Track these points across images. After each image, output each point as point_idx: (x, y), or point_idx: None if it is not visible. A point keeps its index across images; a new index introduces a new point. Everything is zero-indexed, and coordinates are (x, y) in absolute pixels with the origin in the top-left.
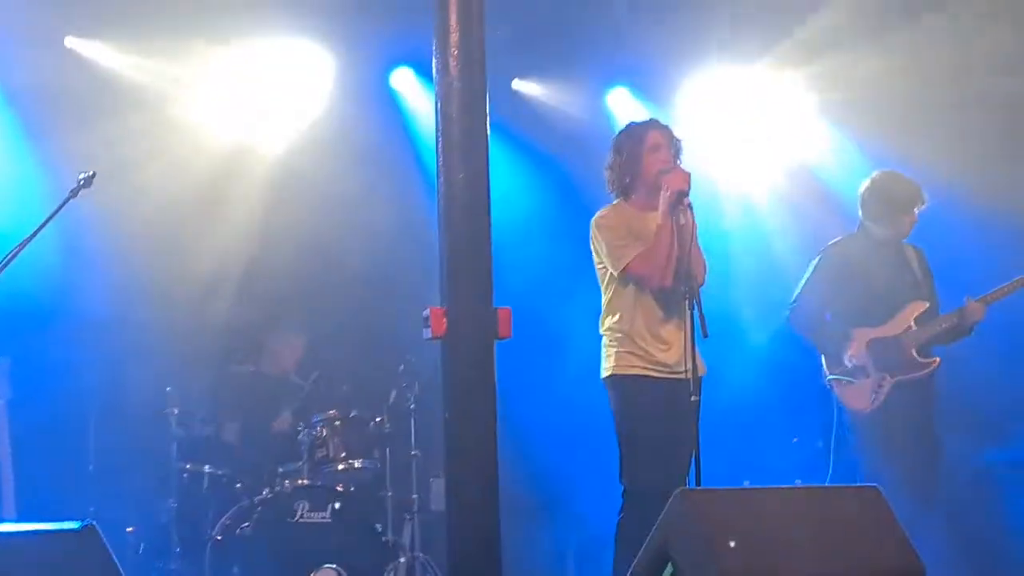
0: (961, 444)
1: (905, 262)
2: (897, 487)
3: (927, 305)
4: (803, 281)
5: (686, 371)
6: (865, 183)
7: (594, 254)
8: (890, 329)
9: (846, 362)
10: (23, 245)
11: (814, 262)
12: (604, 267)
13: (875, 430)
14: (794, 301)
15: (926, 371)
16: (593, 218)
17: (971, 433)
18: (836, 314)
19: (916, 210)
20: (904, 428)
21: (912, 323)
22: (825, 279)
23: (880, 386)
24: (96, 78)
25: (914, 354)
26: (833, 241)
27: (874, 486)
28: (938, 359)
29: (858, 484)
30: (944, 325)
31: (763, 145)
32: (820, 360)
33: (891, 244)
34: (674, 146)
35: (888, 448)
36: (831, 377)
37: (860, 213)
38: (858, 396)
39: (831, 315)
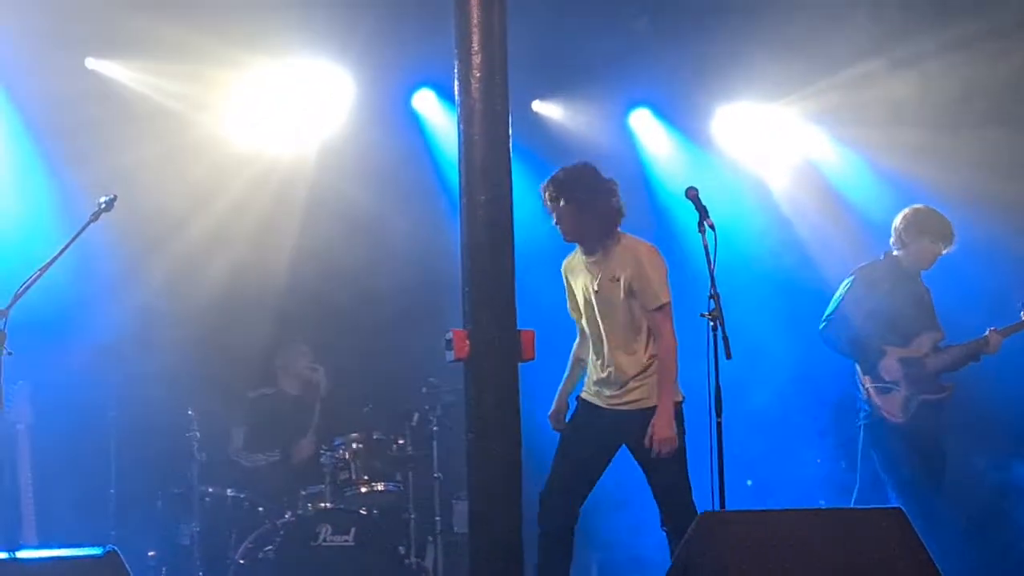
0: (985, 459)
1: (922, 294)
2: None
3: (942, 335)
4: (837, 298)
5: (711, 394)
6: (903, 212)
7: (635, 281)
8: (914, 351)
9: (883, 374)
10: (44, 270)
11: (846, 282)
12: (649, 297)
13: (902, 442)
14: (830, 315)
15: (945, 395)
16: (647, 247)
17: (995, 448)
18: (871, 332)
19: (944, 247)
20: (921, 444)
21: (929, 350)
22: (856, 298)
23: (910, 401)
24: (116, 99)
25: (936, 377)
26: (862, 265)
27: (898, 508)
28: (953, 384)
29: (882, 505)
30: (964, 352)
31: (782, 173)
32: (856, 372)
33: (913, 275)
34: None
35: (909, 461)
36: (872, 386)
37: (892, 240)
38: (895, 406)
39: (865, 334)
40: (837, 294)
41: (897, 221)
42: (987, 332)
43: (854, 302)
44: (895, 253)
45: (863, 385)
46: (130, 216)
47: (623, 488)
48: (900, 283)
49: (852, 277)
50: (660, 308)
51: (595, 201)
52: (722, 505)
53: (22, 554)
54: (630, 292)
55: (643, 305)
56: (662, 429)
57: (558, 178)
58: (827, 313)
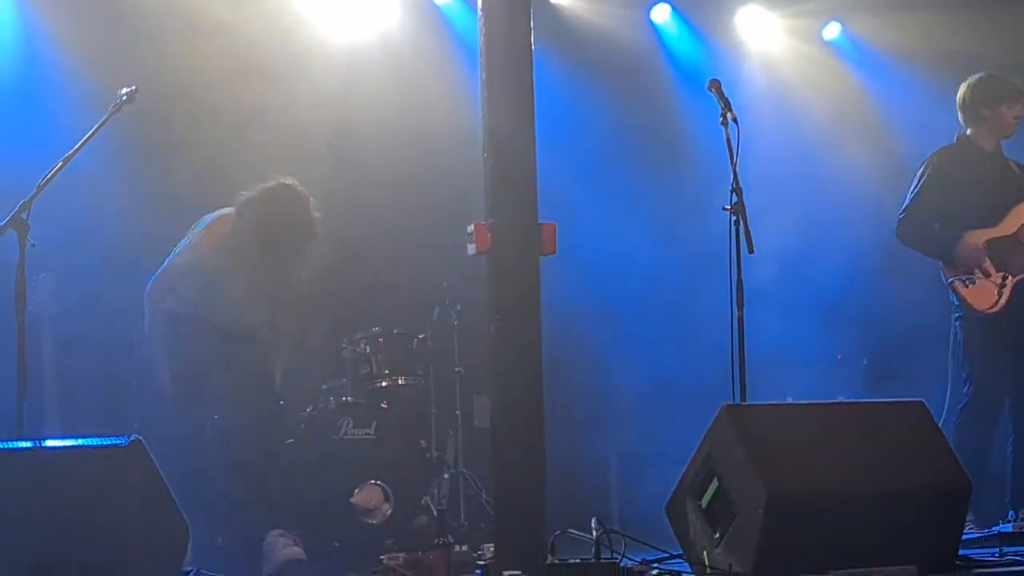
0: None
1: (1008, 168)
2: (1004, 401)
3: None
4: (910, 192)
5: (732, 285)
6: (964, 86)
7: None
8: (1004, 229)
9: (963, 264)
10: (67, 160)
11: (919, 172)
12: None
13: (996, 335)
14: (902, 213)
15: None
16: None
17: None
18: (946, 220)
19: (1018, 105)
20: (1019, 333)
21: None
22: (931, 187)
23: (1004, 285)
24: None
25: None
26: (937, 150)
27: (919, 401)
28: None
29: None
30: None
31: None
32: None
33: (994, 150)
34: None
35: (1003, 357)
36: (952, 280)
37: (961, 119)
38: (982, 296)
39: (940, 223)
40: (912, 188)
41: (961, 97)
42: None
43: (926, 191)
44: (968, 132)
45: (946, 279)
46: (155, 109)
47: (646, 384)
48: (979, 161)
49: (924, 165)
50: None
51: None
52: (743, 398)
53: (48, 443)
54: None
55: None
56: None
57: None
58: (901, 210)
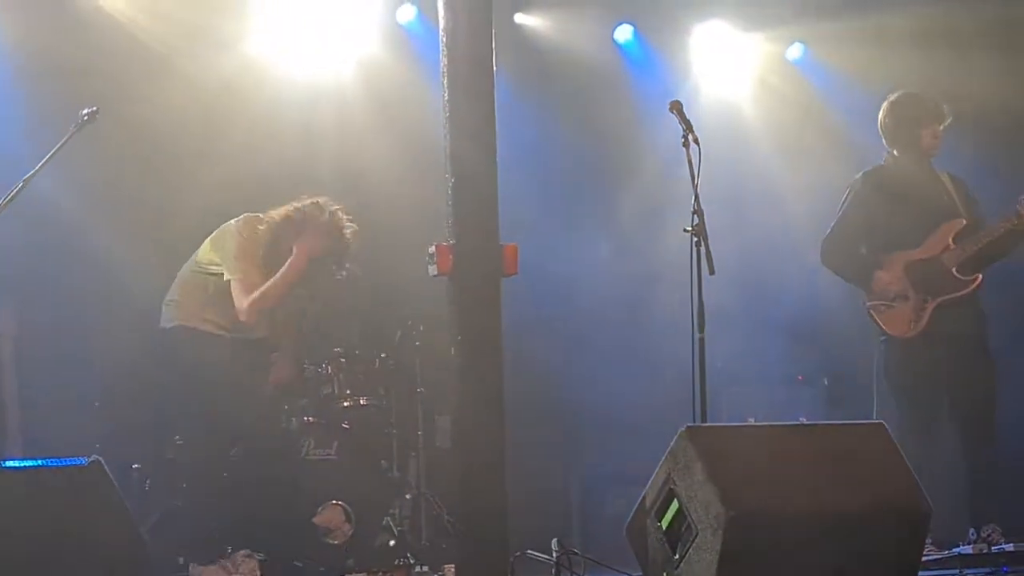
0: None
1: (938, 183)
2: (944, 419)
3: (964, 222)
4: (835, 216)
5: (693, 308)
6: (883, 108)
7: None
8: (928, 250)
9: (883, 289)
10: (27, 182)
11: (844, 196)
12: None
13: (918, 356)
14: (825, 237)
15: (968, 289)
16: None
17: None
18: (872, 244)
19: (936, 125)
20: (951, 351)
21: (950, 241)
22: (856, 210)
23: (920, 309)
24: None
25: (954, 272)
26: (862, 172)
27: (880, 422)
28: (980, 276)
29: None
30: (988, 238)
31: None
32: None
33: (920, 167)
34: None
35: (931, 378)
36: (870, 304)
37: (884, 142)
38: (897, 321)
39: (867, 246)
40: (837, 212)
41: (880, 121)
42: (1020, 199)
43: (851, 214)
44: (895, 153)
45: (865, 304)
46: (118, 130)
47: (607, 405)
48: (906, 181)
49: (849, 188)
50: None
51: None
52: (703, 419)
53: (7, 464)
54: None
55: None
56: None
57: None
58: (825, 235)
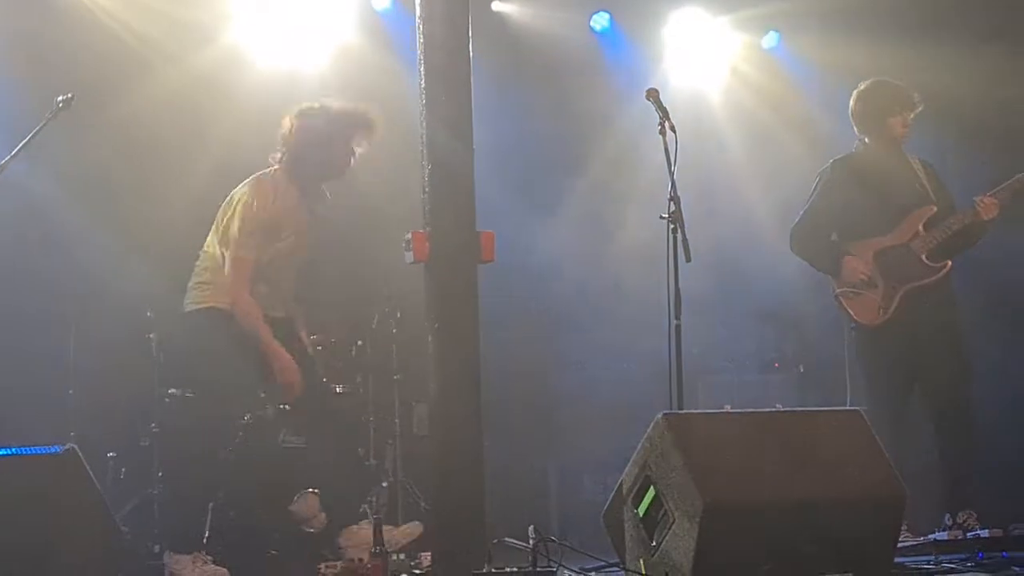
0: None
1: (909, 170)
2: (915, 406)
3: (935, 209)
4: (805, 204)
5: (669, 295)
6: (853, 96)
7: None
8: (897, 237)
9: (847, 277)
10: (1, 168)
11: (814, 183)
12: None
13: (888, 343)
14: (795, 224)
15: (937, 276)
16: None
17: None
18: (842, 231)
19: (906, 112)
20: (921, 338)
21: (920, 228)
22: (826, 198)
23: (890, 297)
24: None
25: (924, 260)
26: (832, 160)
27: (856, 409)
28: (949, 263)
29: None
30: (956, 226)
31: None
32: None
33: (892, 154)
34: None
35: (901, 365)
36: (838, 291)
37: (855, 130)
38: (866, 309)
39: (837, 233)
40: (806, 200)
41: (851, 109)
42: (976, 199)
43: (821, 202)
44: (866, 140)
45: (834, 291)
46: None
47: (584, 392)
48: (876, 168)
49: (819, 176)
50: None
51: None
52: (680, 406)
53: None
54: None
55: None
56: None
57: None
58: (795, 222)
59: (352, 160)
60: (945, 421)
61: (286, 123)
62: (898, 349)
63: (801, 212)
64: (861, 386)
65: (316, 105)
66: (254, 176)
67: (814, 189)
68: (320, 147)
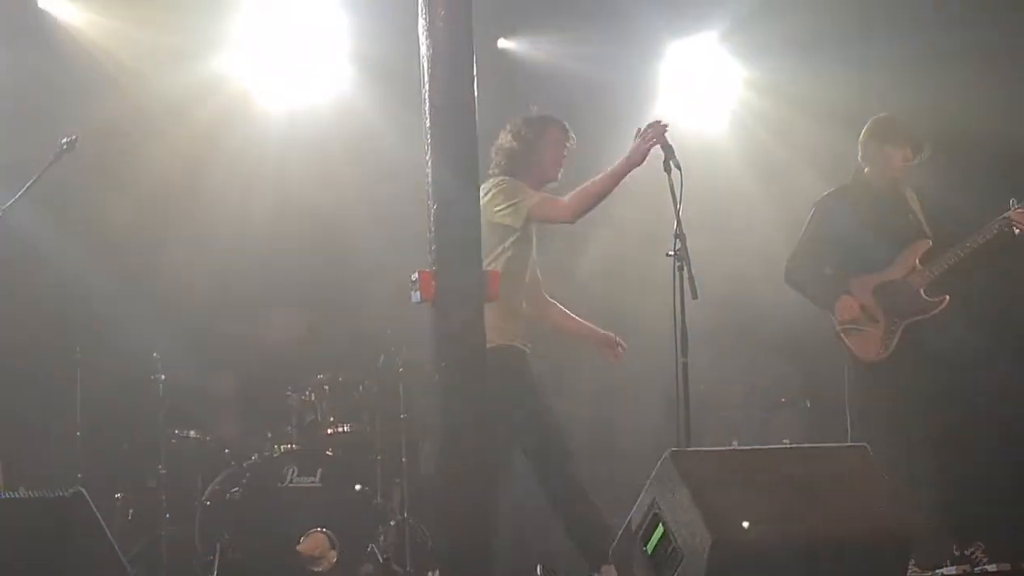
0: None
1: (905, 203)
2: (918, 441)
3: (930, 244)
4: (799, 236)
5: (676, 332)
6: (866, 126)
7: None
8: (895, 272)
9: (843, 315)
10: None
11: (809, 215)
12: None
13: (889, 379)
14: (791, 258)
15: (936, 310)
16: None
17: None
18: (838, 264)
19: (908, 150)
20: (922, 373)
21: (917, 263)
22: (821, 231)
23: (891, 332)
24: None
25: (922, 294)
26: (827, 192)
27: (862, 445)
28: (947, 297)
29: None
30: (950, 262)
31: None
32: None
33: (888, 187)
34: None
35: (903, 400)
36: (840, 328)
37: (859, 156)
38: (868, 345)
39: (832, 267)
40: (801, 232)
41: (861, 133)
42: (1013, 206)
43: (816, 235)
44: (865, 170)
45: (835, 327)
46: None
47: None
48: (872, 201)
49: (814, 209)
50: None
51: None
52: (688, 443)
53: None
54: None
55: None
56: None
57: None
58: (790, 256)
59: None
60: (949, 454)
61: None
62: (899, 385)
63: (794, 249)
64: (864, 422)
65: None
66: None
67: (808, 222)
68: None
